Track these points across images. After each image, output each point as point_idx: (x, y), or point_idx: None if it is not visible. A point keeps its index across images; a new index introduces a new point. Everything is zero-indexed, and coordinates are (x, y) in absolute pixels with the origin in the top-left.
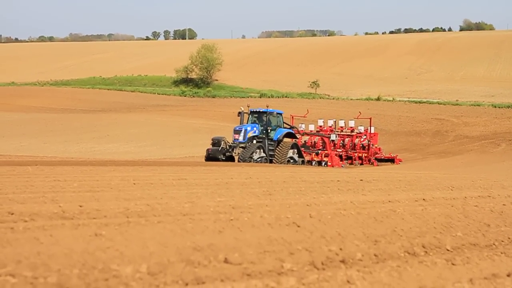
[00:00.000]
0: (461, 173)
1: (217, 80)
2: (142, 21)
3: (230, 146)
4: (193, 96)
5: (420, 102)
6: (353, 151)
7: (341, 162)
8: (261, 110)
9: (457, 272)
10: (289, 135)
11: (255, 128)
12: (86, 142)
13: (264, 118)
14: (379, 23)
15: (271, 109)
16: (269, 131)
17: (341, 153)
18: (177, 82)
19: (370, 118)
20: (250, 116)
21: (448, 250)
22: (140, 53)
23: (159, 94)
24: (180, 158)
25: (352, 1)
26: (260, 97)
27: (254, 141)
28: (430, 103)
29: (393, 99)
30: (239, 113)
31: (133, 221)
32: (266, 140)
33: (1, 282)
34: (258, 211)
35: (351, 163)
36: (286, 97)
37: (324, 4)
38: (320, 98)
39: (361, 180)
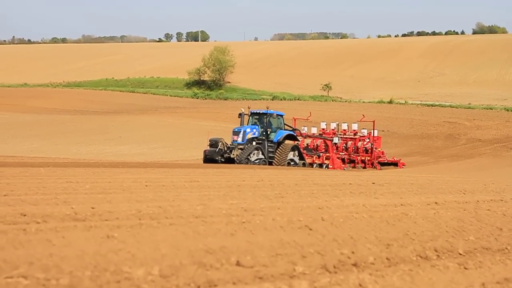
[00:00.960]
0: (474, 177)
1: (229, 82)
2: (154, 23)
3: (228, 148)
4: (206, 98)
5: (432, 105)
6: (356, 154)
7: (343, 165)
8: (261, 112)
9: (470, 276)
10: (290, 137)
11: (254, 130)
12: (98, 143)
13: (265, 120)
14: (392, 26)
15: (271, 110)
16: (269, 133)
17: (343, 157)
18: (189, 84)
19: (373, 121)
20: (251, 117)
21: (460, 254)
22: (152, 55)
23: (171, 96)
24: (192, 160)
25: (365, 4)
26: (273, 100)
27: (254, 143)
28: (442, 106)
29: (405, 102)
30: (240, 114)
31: (145, 223)
32: (266, 142)
33: (14, 283)
34: (270, 214)
35: (354, 167)
36: (298, 99)
37: (337, 7)
38: (332, 100)
39: (373, 183)
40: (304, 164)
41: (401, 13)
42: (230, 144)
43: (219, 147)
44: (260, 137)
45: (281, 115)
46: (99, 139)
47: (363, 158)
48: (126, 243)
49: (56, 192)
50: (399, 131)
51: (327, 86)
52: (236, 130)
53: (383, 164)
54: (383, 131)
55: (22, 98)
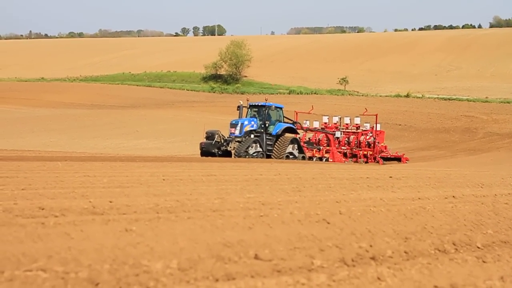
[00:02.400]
0: (491, 170)
1: (246, 76)
2: (171, 17)
3: (225, 140)
4: (222, 93)
5: (449, 99)
6: (358, 148)
7: (344, 159)
8: (260, 104)
9: (488, 270)
10: (289, 130)
11: (252, 122)
12: (115, 138)
13: (263, 112)
14: (409, 20)
15: (270, 102)
16: (268, 125)
17: (345, 151)
18: (206, 79)
19: (376, 115)
20: (249, 110)
21: (478, 247)
22: (169, 49)
23: (188, 90)
24: None
25: None
26: (289, 94)
27: (252, 136)
28: (459, 100)
29: (422, 96)
30: (238, 107)
31: (163, 217)
32: (264, 135)
33: (33, 277)
34: (287, 207)
35: (356, 161)
36: (315, 93)
37: (353, 1)
38: (349, 94)
39: (391, 177)
40: (303, 158)
41: (418, 6)
42: (228, 137)
43: (215, 139)
44: (259, 130)
45: (280, 108)
46: (116, 133)
47: (365, 152)
48: (144, 237)
49: (74, 186)
50: (416, 125)
51: (344, 80)
52: (234, 122)
53: (386, 159)
54: (399, 125)
55: (39, 93)
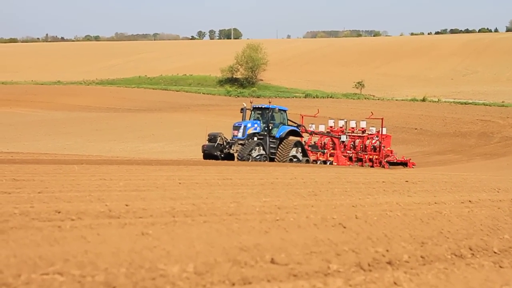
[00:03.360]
0: (507, 175)
1: (262, 80)
2: (187, 21)
3: (228, 143)
4: (238, 96)
5: (465, 103)
6: (363, 152)
7: (349, 163)
8: (263, 106)
9: (505, 275)
10: (293, 133)
11: (256, 125)
12: (131, 141)
13: (267, 115)
14: (425, 24)
15: (274, 105)
16: (271, 128)
17: (351, 155)
18: (222, 82)
19: (382, 119)
20: (253, 112)
21: (495, 252)
22: (185, 53)
23: (204, 93)
24: None
25: (398, 1)
26: (305, 97)
27: (255, 138)
28: (475, 104)
29: (438, 100)
30: (242, 109)
31: (179, 221)
32: (268, 138)
33: (49, 280)
34: (303, 211)
35: (361, 165)
36: (331, 97)
37: (369, 4)
38: (365, 98)
39: (407, 181)
40: (307, 161)
41: (434, 10)
42: (230, 139)
43: (217, 142)
44: (262, 133)
45: (284, 110)
46: (132, 136)
47: (370, 156)
48: (161, 240)
49: (90, 189)
50: (432, 129)
51: (360, 84)
52: (237, 125)
53: (392, 163)
54: (415, 129)
55: (56, 96)
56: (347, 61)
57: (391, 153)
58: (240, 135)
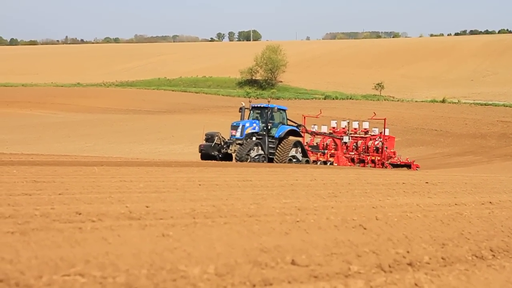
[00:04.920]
0: None
1: (281, 81)
2: (206, 23)
3: (225, 143)
4: (258, 98)
5: (485, 105)
6: (365, 154)
7: (349, 164)
8: (262, 106)
9: None
10: (293, 132)
11: (254, 124)
12: (151, 143)
13: (266, 114)
14: (444, 25)
15: (273, 104)
16: (270, 128)
17: (353, 156)
18: (241, 84)
19: (384, 119)
20: (252, 111)
21: None
22: (204, 55)
23: (223, 95)
24: None
25: (417, 3)
26: (325, 99)
27: (254, 138)
28: (495, 106)
29: (458, 101)
30: (240, 108)
31: (199, 222)
32: (267, 137)
33: (71, 281)
34: (324, 213)
35: (363, 167)
36: (350, 99)
37: (389, 6)
38: (384, 100)
39: (427, 182)
40: (307, 161)
41: (454, 11)
42: (228, 139)
43: (215, 141)
44: (261, 132)
45: (284, 110)
46: (152, 138)
47: (373, 158)
48: (182, 242)
49: (110, 191)
50: (452, 130)
51: (379, 85)
52: (235, 124)
53: (395, 165)
54: (435, 130)
55: (75, 98)
56: (367, 63)
57: (394, 154)
58: (238, 134)
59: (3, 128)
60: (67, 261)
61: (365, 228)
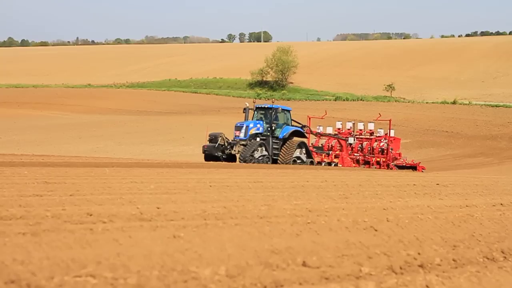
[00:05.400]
0: None
1: (292, 83)
2: (217, 24)
3: (229, 143)
4: (268, 99)
5: (496, 106)
6: (371, 155)
7: (354, 165)
8: (266, 106)
9: None
10: (297, 133)
11: (258, 125)
12: (162, 144)
13: (270, 115)
14: (455, 26)
15: (277, 105)
16: (274, 128)
17: (358, 157)
18: (252, 85)
19: (390, 120)
20: (256, 112)
21: None
22: (215, 56)
23: (234, 96)
24: None
25: (428, 4)
26: (335, 100)
27: (258, 139)
28: (507, 107)
29: (469, 102)
30: (244, 109)
31: (210, 224)
32: (271, 138)
33: (82, 282)
34: (335, 214)
35: (369, 168)
36: (361, 100)
37: (400, 7)
38: (395, 101)
39: (438, 184)
40: (312, 162)
41: (465, 13)
42: (232, 140)
43: (218, 142)
44: (265, 133)
45: (288, 110)
46: (163, 139)
47: (378, 159)
48: (193, 243)
49: (121, 192)
50: (462, 131)
51: (390, 87)
52: (239, 125)
53: (400, 167)
54: (446, 132)
55: (86, 99)
56: (378, 64)
57: (400, 156)
58: (242, 135)
59: (14, 129)
60: (78, 262)
61: (376, 230)
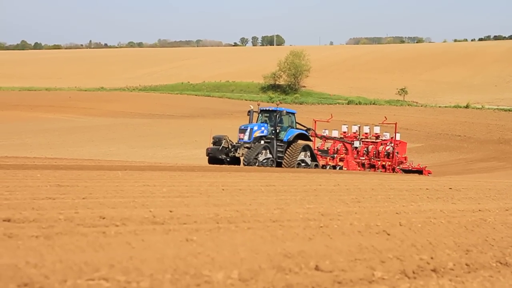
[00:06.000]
0: None
1: (304, 86)
2: (230, 27)
3: (233, 146)
4: (281, 103)
5: (509, 110)
6: (376, 159)
7: (359, 168)
8: (271, 109)
9: None
10: (302, 136)
11: (262, 128)
12: (174, 147)
13: (275, 117)
14: (468, 30)
15: (282, 107)
16: (279, 131)
17: (364, 161)
18: (264, 89)
19: (395, 123)
20: (260, 115)
21: None
22: (228, 59)
23: (246, 100)
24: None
25: (441, 8)
26: (348, 104)
27: (262, 142)
28: None
29: (482, 106)
30: (248, 112)
31: (223, 227)
32: (275, 141)
33: (95, 286)
34: (347, 218)
35: (374, 172)
36: (374, 104)
37: (412, 11)
38: (408, 105)
39: (450, 188)
40: (316, 166)
41: (478, 17)
42: (236, 143)
43: (222, 145)
44: (269, 136)
45: (293, 113)
46: (175, 142)
47: (383, 163)
48: (205, 247)
49: (134, 195)
50: (475, 136)
51: (403, 91)
52: (243, 127)
53: (406, 171)
54: (459, 136)
55: (99, 102)
56: (390, 68)
57: (405, 159)
58: (246, 138)
59: (27, 132)
60: (91, 265)
61: (388, 234)
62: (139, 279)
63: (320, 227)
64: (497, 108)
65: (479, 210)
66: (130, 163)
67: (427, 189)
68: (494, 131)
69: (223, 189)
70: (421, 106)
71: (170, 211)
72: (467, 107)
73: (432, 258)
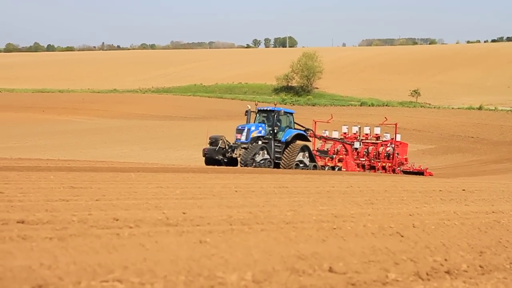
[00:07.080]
0: None
1: (317, 88)
2: (242, 29)
3: (230, 146)
4: (293, 104)
5: None
6: (376, 160)
7: (358, 169)
8: (269, 109)
9: None
10: (300, 137)
11: (260, 128)
12: (187, 149)
13: (272, 118)
14: (481, 31)
15: (279, 107)
16: (277, 131)
17: (364, 162)
18: (277, 90)
19: (396, 124)
20: (258, 115)
21: None
22: (240, 61)
23: (259, 101)
24: None
25: (454, 10)
26: (361, 106)
27: (259, 142)
28: None
29: (495, 108)
30: (246, 112)
31: (236, 229)
32: (273, 141)
33: (109, 287)
34: (360, 220)
35: (374, 173)
36: (386, 105)
37: (425, 12)
38: (421, 107)
39: (464, 190)
40: (315, 167)
41: (491, 18)
42: (233, 143)
43: (219, 145)
44: (267, 136)
45: (291, 113)
46: (188, 144)
47: (384, 164)
48: (219, 248)
49: (147, 197)
50: (488, 137)
51: (416, 92)
52: (240, 128)
53: (407, 172)
54: (472, 137)
55: (112, 104)
56: (403, 69)
57: (406, 161)
58: (243, 138)
59: (40, 134)
60: (105, 267)
61: (402, 236)
62: (153, 281)
63: (334, 228)
64: (510, 110)
65: (493, 212)
66: (143, 164)
67: (440, 190)
68: (507, 132)
69: (236, 191)
70: (434, 107)
71: (183, 213)
72: (480, 108)
73: (445, 259)
